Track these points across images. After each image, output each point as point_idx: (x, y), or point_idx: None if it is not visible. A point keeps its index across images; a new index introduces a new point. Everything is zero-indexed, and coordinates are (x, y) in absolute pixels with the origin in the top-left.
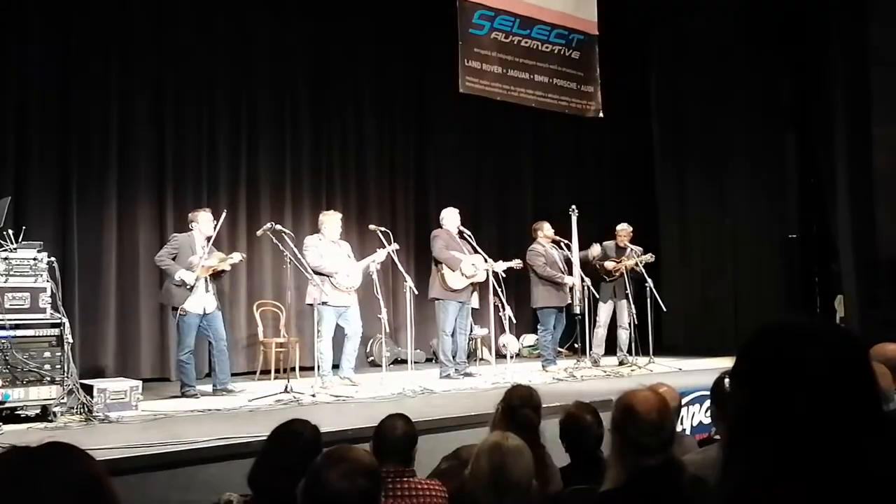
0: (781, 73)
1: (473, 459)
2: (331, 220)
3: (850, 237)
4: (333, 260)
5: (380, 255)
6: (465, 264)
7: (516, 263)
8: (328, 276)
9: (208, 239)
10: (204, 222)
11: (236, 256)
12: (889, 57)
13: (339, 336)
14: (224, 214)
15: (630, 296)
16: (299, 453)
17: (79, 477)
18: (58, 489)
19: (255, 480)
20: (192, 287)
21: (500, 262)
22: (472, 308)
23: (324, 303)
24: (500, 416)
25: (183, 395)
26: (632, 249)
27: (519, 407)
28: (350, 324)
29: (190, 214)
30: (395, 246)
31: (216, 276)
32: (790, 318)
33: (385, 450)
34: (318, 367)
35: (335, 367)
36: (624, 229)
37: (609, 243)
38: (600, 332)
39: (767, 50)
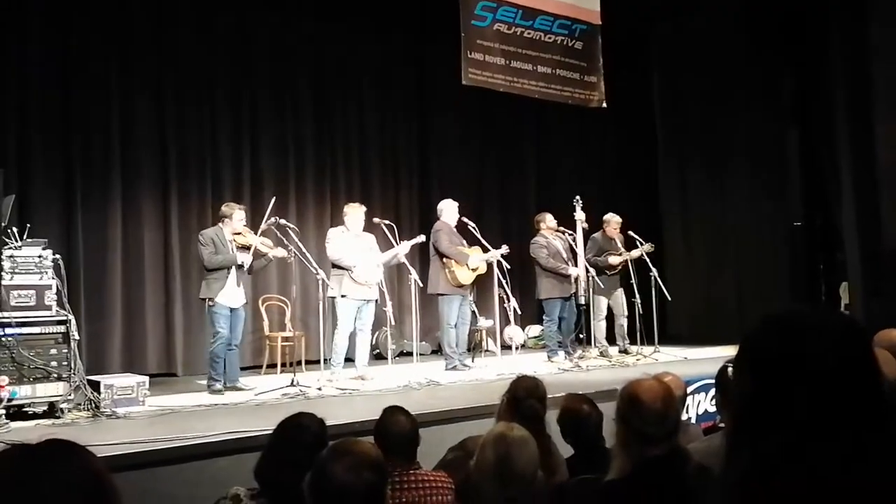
0: (783, 72)
1: (478, 450)
2: (354, 213)
3: (854, 230)
4: (353, 253)
5: (403, 247)
6: (473, 258)
7: (504, 249)
8: (347, 270)
9: (236, 234)
10: (237, 220)
11: (281, 252)
12: (890, 54)
13: None
14: (273, 200)
15: (634, 284)
16: (305, 447)
17: (81, 474)
18: (60, 487)
19: (261, 474)
20: (241, 266)
21: (493, 250)
22: (470, 300)
23: (343, 295)
24: (505, 406)
25: (209, 389)
26: (632, 238)
27: (524, 398)
28: (362, 317)
29: (225, 208)
30: (421, 238)
31: (255, 253)
32: (793, 308)
33: (388, 445)
34: (328, 358)
35: (347, 360)
36: (614, 219)
37: (597, 235)
38: (602, 325)
39: (768, 49)
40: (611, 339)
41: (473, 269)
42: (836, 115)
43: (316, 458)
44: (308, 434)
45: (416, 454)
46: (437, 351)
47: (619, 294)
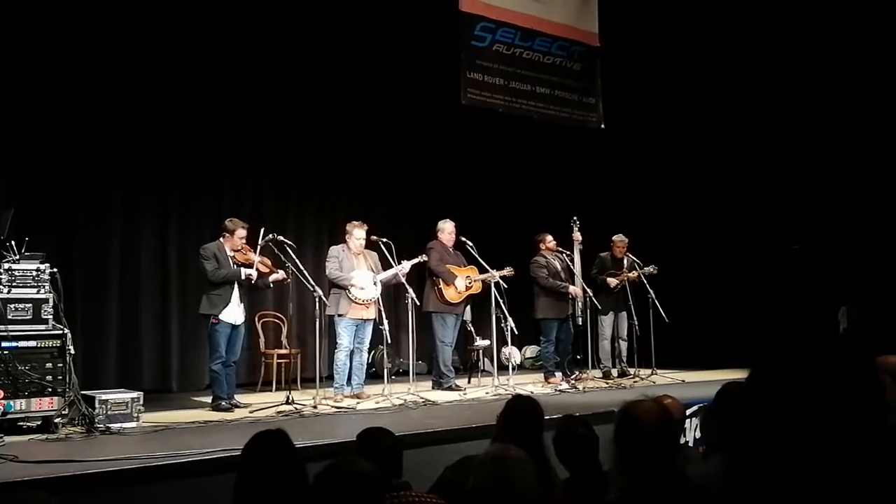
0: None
1: (475, 472)
2: (355, 231)
3: (854, 250)
4: (352, 272)
5: (404, 266)
6: (461, 280)
7: (508, 270)
8: (344, 289)
9: (236, 251)
10: (238, 237)
11: (280, 275)
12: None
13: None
14: (264, 233)
15: (632, 307)
16: (277, 465)
17: None
18: None
19: (241, 497)
20: (247, 278)
21: (495, 271)
22: (464, 320)
23: (340, 315)
24: (501, 427)
25: (214, 408)
26: (633, 261)
27: (520, 418)
28: (360, 337)
29: (228, 223)
30: (423, 258)
31: (259, 274)
32: (797, 332)
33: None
34: (326, 377)
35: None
36: (621, 240)
37: (605, 255)
38: (606, 345)
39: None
40: (614, 360)
41: (465, 290)
42: (837, 136)
43: (314, 477)
44: (276, 452)
45: (400, 469)
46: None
47: (622, 316)
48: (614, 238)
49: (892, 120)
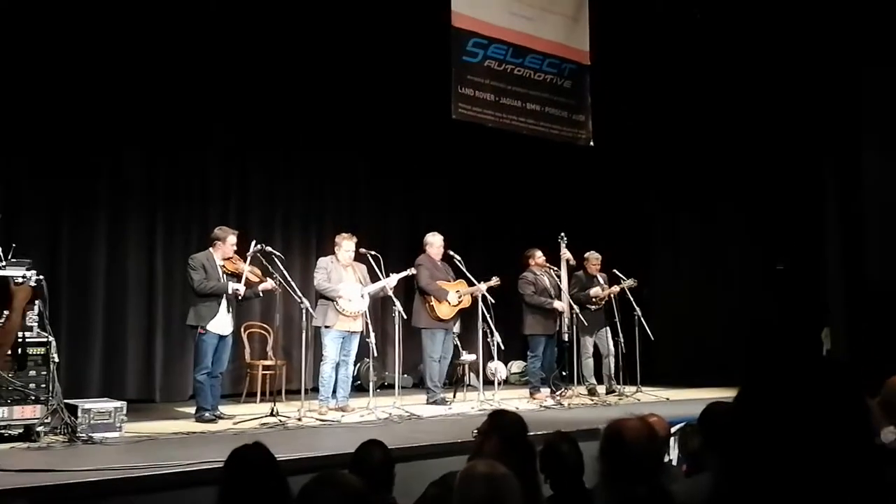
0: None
1: (462, 489)
2: (345, 244)
3: (838, 270)
4: (340, 283)
5: (392, 280)
6: (452, 295)
7: (494, 281)
8: (331, 300)
9: (227, 259)
10: (230, 245)
11: (269, 284)
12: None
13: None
14: (254, 244)
15: (618, 323)
16: (258, 479)
17: None
18: None
19: None
20: (234, 293)
21: (482, 283)
22: (453, 332)
23: (327, 326)
24: (485, 443)
25: (198, 419)
26: (615, 275)
27: (515, 435)
28: (346, 349)
29: (218, 231)
30: (411, 271)
31: (247, 285)
32: (784, 353)
33: (363, 478)
34: (311, 388)
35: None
36: (594, 257)
37: (579, 273)
38: (590, 363)
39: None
40: (598, 377)
41: (456, 304)
42: (823, 150)
43: (300, 490)
44: (256, 467)
45: (391, 485)
46: (419, 384)
47: (605, 333)
48: (587, 255)
49: (873, 141)
